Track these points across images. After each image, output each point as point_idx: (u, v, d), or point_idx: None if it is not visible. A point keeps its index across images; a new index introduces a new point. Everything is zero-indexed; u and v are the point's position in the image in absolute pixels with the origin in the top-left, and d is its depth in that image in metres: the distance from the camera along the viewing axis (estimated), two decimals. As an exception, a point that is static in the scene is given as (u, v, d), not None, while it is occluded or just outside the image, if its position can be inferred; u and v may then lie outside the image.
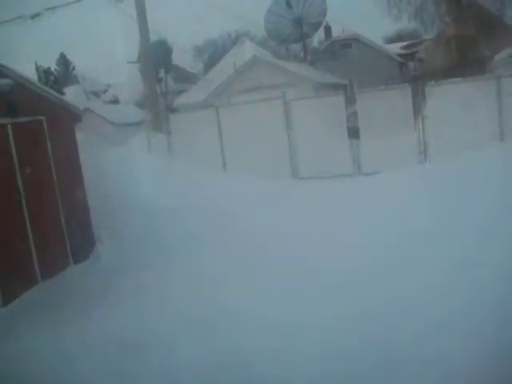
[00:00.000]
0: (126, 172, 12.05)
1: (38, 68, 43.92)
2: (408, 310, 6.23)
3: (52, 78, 42.33)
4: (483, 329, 5.26)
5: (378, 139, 13.46)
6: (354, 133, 14.90)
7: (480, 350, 4.84)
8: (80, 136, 10.84)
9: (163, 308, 7.28)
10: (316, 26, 34.69)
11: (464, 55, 25.79)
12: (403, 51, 40.32)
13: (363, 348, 5.47)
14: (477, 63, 23.78)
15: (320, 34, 39.92)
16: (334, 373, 5.16)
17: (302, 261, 8.40)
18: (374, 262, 7.95)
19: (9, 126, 8.65)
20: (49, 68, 46.25)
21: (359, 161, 14.56)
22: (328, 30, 38.57)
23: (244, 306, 6.86)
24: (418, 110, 14.16)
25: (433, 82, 14.43)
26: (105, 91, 47.89)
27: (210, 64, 43.03)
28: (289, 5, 31.48)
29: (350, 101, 15.62)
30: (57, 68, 53.52)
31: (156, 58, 22.42)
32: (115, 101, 39.99)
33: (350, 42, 35.64)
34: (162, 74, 30.22)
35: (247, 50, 33.40)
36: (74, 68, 55.50)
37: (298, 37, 33.67)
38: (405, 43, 43.08)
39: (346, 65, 31.96)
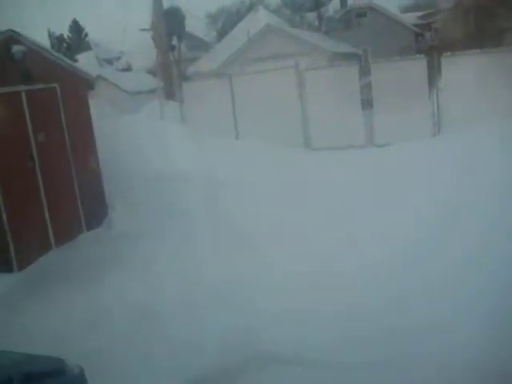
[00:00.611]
0: (139, 139, 12.07)
1: (50, 35, 43.79)
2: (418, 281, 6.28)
3: (65, 44, 42.29)
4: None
5: (391, 111, 13.34)
6: (367, 104, 14.77)
7: (487, 341, 4.81)
8: (93, 103, 10.86)
9: (176, 274, 7.38)
10: (332, -6, 34.09)
11: (482, 26, 25.24)
12: (419, 21, 39.51)
13: (373, 312, 5.48)
14: (495, 35, 23.29)
15: (335, 3, 39.26)
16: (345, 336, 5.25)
17: (311, 230, 8.45)
18: (384, 233, 7.98)
19: (23, 94, 8.69)
20: (61, 35, 46.15)
21: (372, 132, 14.47)
22: (344, -2, 37.89)
23: (256, 273, 6.94)
24: (432, 81, 13.97)
25: (449, 53, 14.20)
26: (118, 58, 47.62)
27: (224, 32, 42.60)
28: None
29: (364, 71, 15.44)
30: (69, 35, 53.24)
31: (169, 26, 22.23)
32: (128, 68, 39.85)
33: (365, 11, 34.99)
34: (175, 41, 29.98)
35: (261, 18, 33.00)
36: (86, 35, 55.16)
37: (313, 5, 33.20)
38: (421, 13, 42.18)
39: (360, 34, 31.46)
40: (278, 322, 5.72)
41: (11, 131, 8.37)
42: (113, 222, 9.87)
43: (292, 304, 6.05)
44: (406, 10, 47.08)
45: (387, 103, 13.63)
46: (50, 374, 2.71)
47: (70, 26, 54.23)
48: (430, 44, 33.92)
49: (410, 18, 39.35)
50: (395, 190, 9.78)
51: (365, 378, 4.69)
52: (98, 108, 12.86)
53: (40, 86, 9.06)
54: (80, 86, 10.15)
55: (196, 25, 45.93)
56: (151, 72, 30.26)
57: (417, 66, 14.01)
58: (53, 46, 35.49)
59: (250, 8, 40.67)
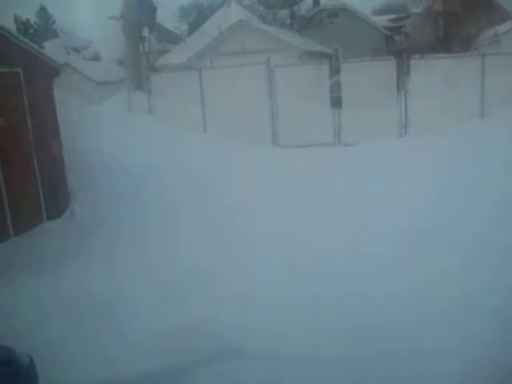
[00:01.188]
0: (105, 129, 11.86)
1: (16, 19, 42.65)
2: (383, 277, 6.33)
3: (31, 30, 41.21)
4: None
5: (360, 110, 13.46)
6: (336, 102, 14.85)
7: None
8: (59, 92, 10.59)
9: (135, 267, 7.27)
10: (305, -7, 34.17)
11: (450, 31, 25.75)
12: (391, 24, 40.02)
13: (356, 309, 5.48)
14: (463, 40, 23.76)
15: (308, 2, 39.38)
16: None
17: (276, 228, 8.45)
18: (349, 231, 8.03)
19: (-17, 76, 8.40)
20: (28, 20, 44.95)
21: (340, 131, 14.56)
22: (316, -3, 38.02)
23: (215, 270, 6.87)
24: (401, 83, 14.15)
25: (418, 56, 14.39)
26: (86, 47, 46.72)
27: (195, 26, 42.23)
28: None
29: (335, 70, 15.52)
30: (36, 21, 51.96)
31: (140, 16, 21.87)
32: (96, 58, 39.11)
33: (338, 12, 35.19)
34: (145, 32, 29.52)
35: (233, 13, 32.82)
36: (54, 22, 53.89)
37: (286, 3, 33.16)
38: (392, 16, 42.73)
39: (332, 34, 31.64)
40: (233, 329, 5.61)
41: (-30, 115, 8.09)
42: (75, 212, 9.66)
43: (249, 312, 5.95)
44: (378, 12, 47.61)
45: (356, 103, 13.74)
46: (-3, 363, 2.60)
47: (38, 12, 52.95)
48: (399, 47, 34.40)
49: (382, 21, 39.78)
50: (357, 187, 9.91)
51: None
52: (64, 97, 12.55)
53: (2, 69, 8.77)
54: (45, 73, 9.86)
55: (167, 17, 45.46)
56: (120, 62, 29.75)
57: (386, 68, 14.16)
58: (18, 30, 34.54)
59: (223, 3, 40.42)
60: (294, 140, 14.19)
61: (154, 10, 31.95)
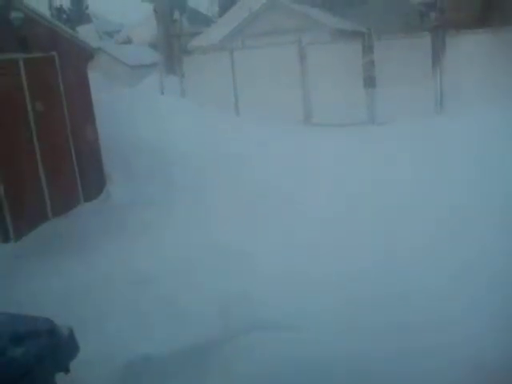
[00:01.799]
0: (138, 112, 11.99)
1: (50, 5, 43.13)
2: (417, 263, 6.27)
3: (65, 16, 41.65)
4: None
5: (394, 89, 13.25)
6: (369, 81, 14.64)
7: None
8: (92, 76, 10.73)
9: (169, 245, 7.40)
10: (336, -30, 33.53)
11: (488, 5, 24.91)
12: (425, 0, 38.98)
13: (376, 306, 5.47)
14: (500, 14, 22.98)
15: (340, -21, 38.65)
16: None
17: (311, 207, 8.44)
18: (382, 211, 7.95)
19: (20, 61, 8.56)
20: (61, 6, 45.42)
21: (373, 110, 14.37)
22: (348, -26, 37.30)
23: (247, 249, 6.94)
24: (436, 60, 13.82)
25: (453, 32, 14.02)
26: (118, 31, 47.03)
27: (226, 7, 41.96)
28: None
29: (368, 49, 15.26)
30: (69, 6, 52.50)
31: (171, -1, 21.94)
32: (128, 41, 39.34)
33: (370, -12, 34.45)
34: (176, 15, 29.60)
35: (264, -7, 32.45)
36: (87, 7, 54.36)
37: (317, -19, 32.58)
38: (427, -9, 41.57)
39: (365, 12, 30.99)
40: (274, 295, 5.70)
41: (8, 99, 8.26)
42: (111, 194, 9.84)
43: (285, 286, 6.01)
44: (412, -12, 46.36)
45: (390, 81, 13.53)
46: (39, 334, 2.68)
47: (71, -2, 53.43)
48: (435, 23, 33.49)
49: (416, -3, 38.80)
50: (390, 167, 9.80)
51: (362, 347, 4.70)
52: (98, 81, 12.72)
53: (38, 54, 8.93)
54: (79, 56, 10.00)
55: (198, -1, 45.27)
56: (152, 46, 29.90)
57: (421, 44, 13.86)
58: (52, 16, 34.99)
59: (254, -17, 40.04)
60: (327, 119, 14.08)
61: (184, -8, 32.00)
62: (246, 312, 5.38)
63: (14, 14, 8.31)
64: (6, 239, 8.03)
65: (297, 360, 4.55)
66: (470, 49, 13.16)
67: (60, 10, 42.14)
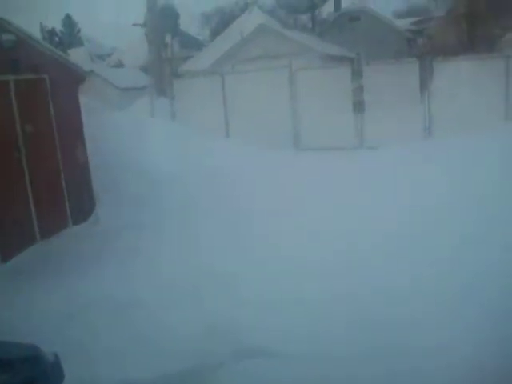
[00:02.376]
0: (129, 135, 12.00)
1: (42, 28, 43.44)
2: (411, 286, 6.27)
3: (56, 38, 41.95)
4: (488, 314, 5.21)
5: (382, 113, 13.40)
6: (358, 106, 14.81)
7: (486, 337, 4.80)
8: (83, 98, 10.76)
9: (156, 270, 7.35)
10: (326, -4, 34.23)
11: (473, 33, 25.42)
12: (413, 27, 39.67)
13: (358, 332, 5.42)
14: (486, 42, 23.44)
15: (329, 6, 39.33)
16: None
17: (299, 230, 8.44)
18: (372, 235, 7.97)
19: (11, 83, 8.56)
20: (53, 29, 45.79)
21: (362, 134, 14.50)
22: (338, 1, 37.95)
23: (237, 270, 6.90)
24: (424, 85, 14.03)
25: (441, 58, 14.28)
26: (110, 55, 47.38)
27: (217, 31, 42.51)
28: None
29: (357, 74, 15.47)
30: (62, 29, 52.89)
31: (163, 23, 22.18)
32: (120, 64, 39.62)
33: (359, 15, 35.04)
34: (167, 39, 29.86)
35: (255, 19, 32.94)
36: (79, 30, 54.79)
37: (308, 7, 33.19)
38: (415, 19, 42.35)
39: (354, 38, 31.50)
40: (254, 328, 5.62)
41: (-2, 120, 8.26)
42: (100, 217, 9.78)
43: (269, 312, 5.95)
44: (400, 15, 47.18)
45: (379, 106, 13.68)
46: (23, 361, 2.63)
47: (63, 21, 53.85)
48: (422, 49, 34.09)
49: (403, 24, 39.49)
50: (381, 191, 9.86)
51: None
52: (89, 103, 12.73)
53: (29, 76, 8.95)
54: (70, 79, 10.03)
55: (190, 23, 45.86)
56: (143, 69, 30.11)
57: (409, 70, 14.08)
58: (44, 39, 35.16)
59: (245, 8, 40.64)
60: (317, 144, 14.18)
61: (176, 16, 32.42)
62: (231, 337, 5.32)
63: (5, 37, 8.35)
64: (-7, 261, 7.94)
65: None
66: (456, 75, 13.38)
67: (52, 32, 42.47)
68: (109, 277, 7.20)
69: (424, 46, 35.18)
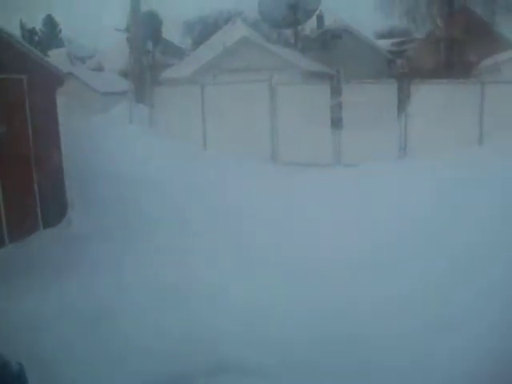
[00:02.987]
0: (105, 140, 11.91)
1: (22, 26, 42.86)
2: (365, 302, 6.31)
3: (36, 38, 41.38)
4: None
5: (360, 131, 13.52)
6: (337, 123, 14.93)
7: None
8: (61, 100, 10.64)
9: (130, 276, 7.26)
10: (310, 13, 34.55)
11: (451, 58, 25.96)
12: (393, 48, 40.34)
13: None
14: (463, 67, 23.95)
15: (312, 23, 39.71)
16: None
17: (273, 244, 8.45)
18: (346, 251, 8.03)
19: (-13, 82, 8.43)
20: (34, 28, 45.18)
21: (340, 151, 14.60)
22: (321, 19, 38.42)
23: (215, 280, 6.87)
24: (401, 106, 14.25)
25: (418, 80, 14.53)
26: (90, 57, 46.94)
27: (200, 41, 42.47)
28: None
29: (336, 91, 15.62)
30: (42, 29, 52.25)
31: (145, 29, 22.09)
32: (100, 68, 39.25)
33: (341, 33, 35.50)
34: (149, 45, 29.74)
35: (238, 31, 33.04)
36: (60, 31, 54.16)
37: (291, 22, 33.44)
38: (395, 40, 43.07)
39: (335, 55, 31.88)
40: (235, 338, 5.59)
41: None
42: (72, 221, 9.65)
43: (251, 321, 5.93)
44: (381, 36, 47.92)
45: (356, 124, 13.80)
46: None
47: (44, 20, 53.19)
48: (401, 70, 34.67)
49: (384, 45, 40.14)
50: (355, 208, 9.95)
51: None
52: (67, 106, 12.59)
53: (5, 75, 8.80)
54: (48, 81, 9.92)
55: (172, 31, 45.73)
56: (123, 74, 29.90)
57: (388, 90, 14.28)
58: (24, 38, 34.69)
59: (228, 19, 40.75)
60: (294, 158, 14.23)
61: (159, 24, 32.32)
62: (208, 352, 5.27)
63: (-18, 34, 8.23)
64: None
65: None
66: (432, 97, 13.62)
67: (32, 31, 41.92)
68: (74, 287, 7.04)
69: (402, 68, 35.79)
